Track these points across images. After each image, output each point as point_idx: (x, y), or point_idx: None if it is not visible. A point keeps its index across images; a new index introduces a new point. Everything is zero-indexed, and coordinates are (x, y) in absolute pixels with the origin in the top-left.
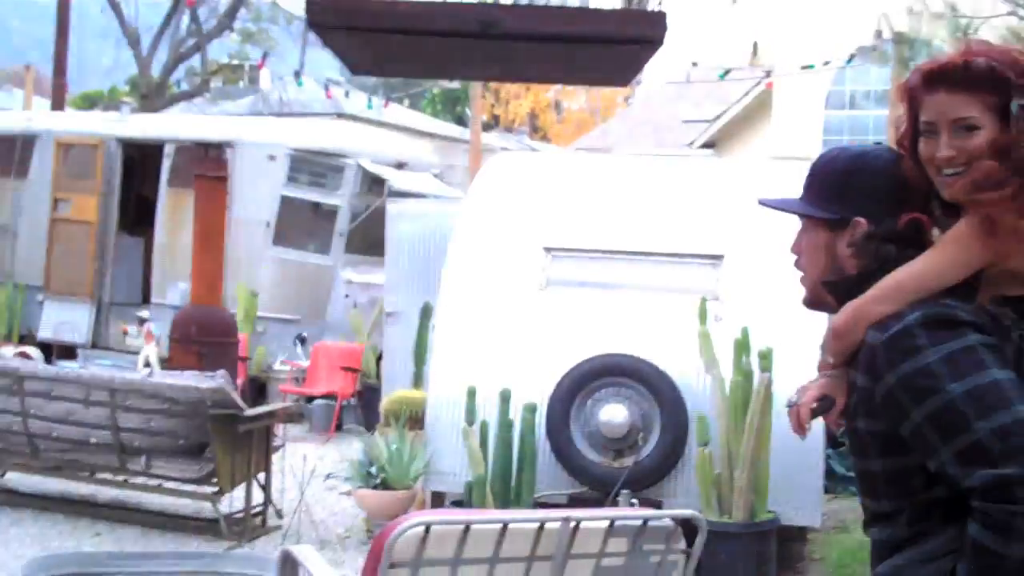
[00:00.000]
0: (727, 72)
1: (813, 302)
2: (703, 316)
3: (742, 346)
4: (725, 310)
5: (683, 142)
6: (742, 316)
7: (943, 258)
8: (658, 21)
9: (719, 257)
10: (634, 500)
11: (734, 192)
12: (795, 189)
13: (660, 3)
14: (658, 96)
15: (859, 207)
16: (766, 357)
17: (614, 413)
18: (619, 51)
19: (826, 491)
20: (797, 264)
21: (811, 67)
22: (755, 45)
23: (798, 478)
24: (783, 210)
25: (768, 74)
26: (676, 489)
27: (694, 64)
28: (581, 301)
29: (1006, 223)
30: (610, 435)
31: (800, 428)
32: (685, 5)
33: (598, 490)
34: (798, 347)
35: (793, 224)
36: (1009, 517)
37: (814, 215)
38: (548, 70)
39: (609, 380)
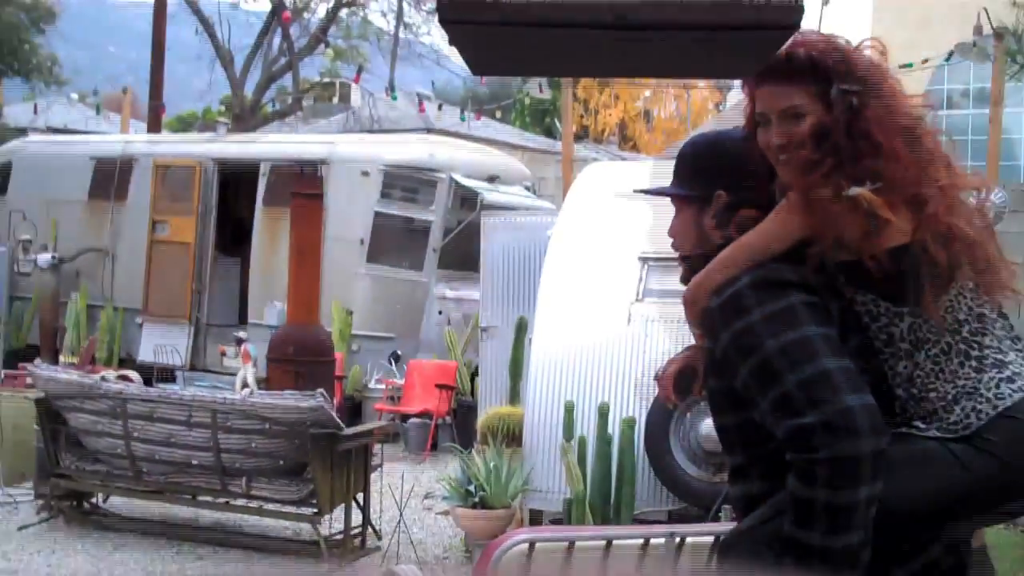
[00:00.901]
0: None
1: (689, 279)
2: None
3: None
4: None
5: None
6: None
7: (770, 230)
8: (796, 7)
9: None
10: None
11: None
12: None
13: None
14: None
15: (719, 183)
16: None
17: (713, 427)
18: (754, 39)
19: None
20: (673, 246)
21: (909, 65)
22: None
23: None
24: (655, 193)
25: None
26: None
27: None
28: (678, 311)
29: (821, 200)
30: (710, 449)
31: (667, 397)
32: None
33: (699, 506)
34: None
35: None
36: (809, 464)
37: (680, 194)
38: (679, 63)
39: None
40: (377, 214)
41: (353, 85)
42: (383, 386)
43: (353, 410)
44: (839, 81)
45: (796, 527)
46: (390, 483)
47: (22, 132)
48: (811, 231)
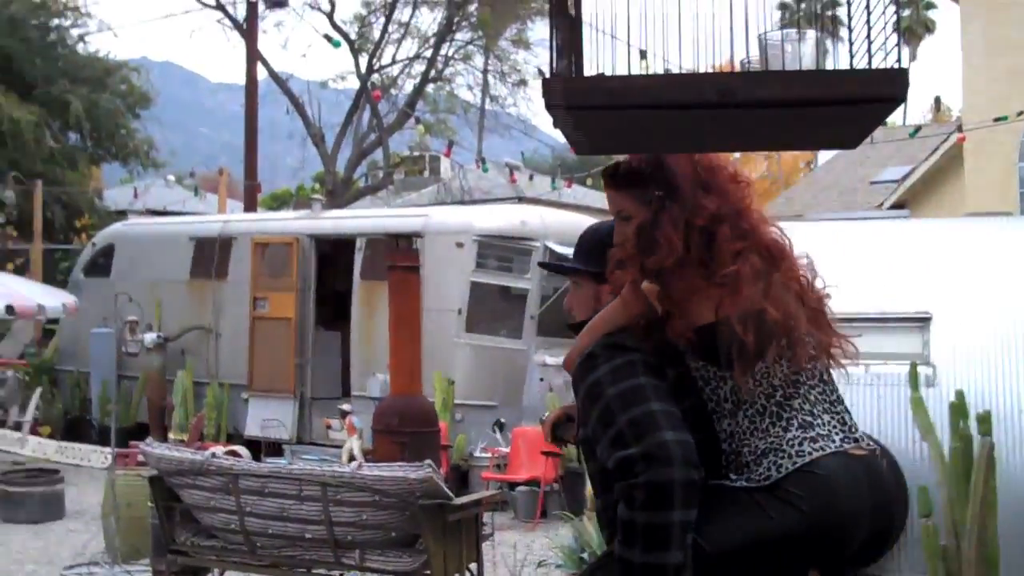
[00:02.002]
0: (917, 129)
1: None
2: (914, 381)
3: (959, 410)
4: (937, 374)
5: (872, 204)
6: (955, 379)
7: (616, 308)
8: (900, 78)
9: (926, 319)
10: None
11: (934, 251)
12: (996, 246)
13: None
14: (841, 159)
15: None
16: (985, 420)
17: None
18: (858, 111)
19: None
20: (569, 316)
21: (1004, 119)
22: (937, 100)
23: None
24: (560, 269)
25: (959, 128)
26: (901, 564)
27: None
28: None
29: (640, 287)
30: None
31: (544, 439)
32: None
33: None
34: (1017, 407)
35: (997, 283)
36: (630, 489)
37: (587, 270)
38: (782, 136)
39: None
40: (473, 284)
41: (443, 157)
42: (489, 454)
43: (460, 479)
44: (655, 186)
45: (622, 547)
46: (502, 552)
47: (122, 215)
48: (643, 310)
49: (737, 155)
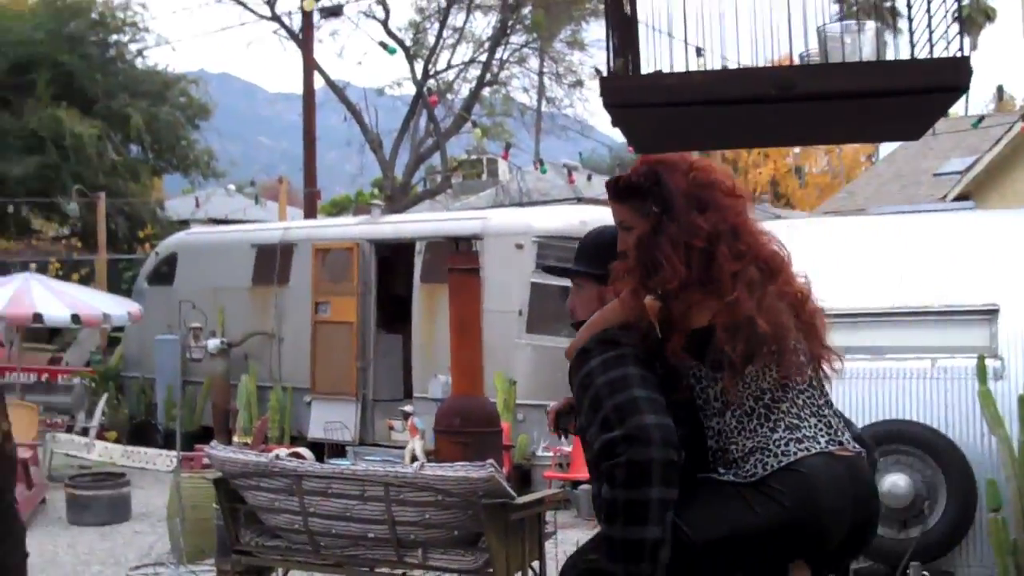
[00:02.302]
0: (980, 120)
1: None
2: (982, 374)
3: None
4: (1005, 367)
5: (935, 196)
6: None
7: (613, 308)
8: (963, 66)
9: (994, 311)
10: (925, 572)
11: (1001, 243)
12: None
13: (961, 48)
14: (902, 152)
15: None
16: None
17: (896, 482)
18: (921, 101)
19: None
20: (572, 317)
21: None
22: (1000, 89)
23: None
24: (564, 272)
25: (1023, 117)
26: (969, 559)
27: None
28: (848, 368)
29: (640, 294)
30: (893, 505)
31: (549, 427)
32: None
33: (884, 563)
34: None
35: None
36: (612, 468)
37: (590, 272)
38: (843, 129)
39: (888, 448)
40: (534, 285)
41: (500, 160)
42: (551, 454)
43: (522, 478)
44: (652, 201)
45: (605, 524)
46: (565, 550)
47: (184, 224)
48: (638, 314)
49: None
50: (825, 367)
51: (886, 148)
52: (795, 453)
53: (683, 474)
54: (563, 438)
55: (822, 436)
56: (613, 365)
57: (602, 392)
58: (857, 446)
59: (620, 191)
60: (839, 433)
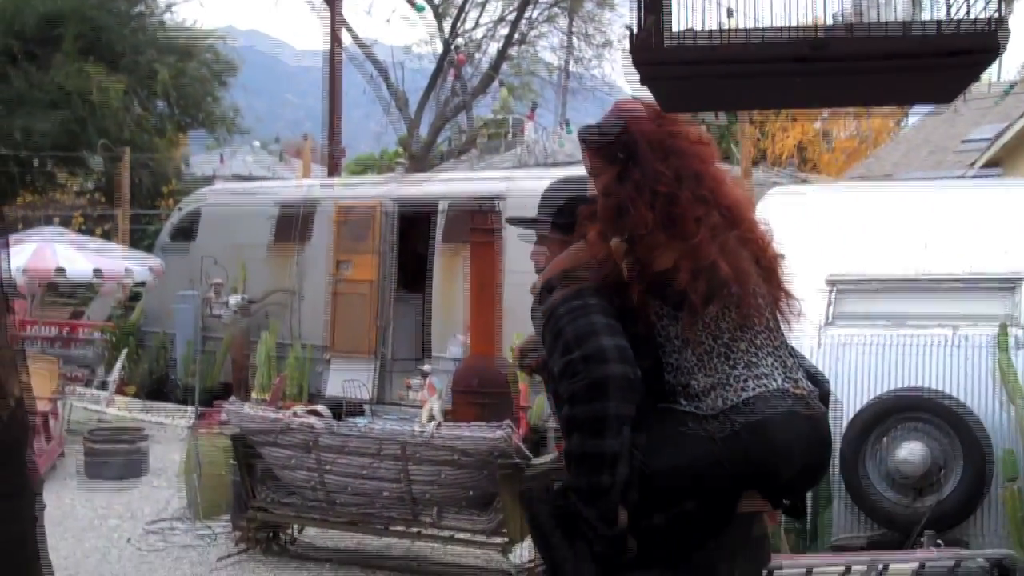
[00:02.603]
0: (1012, 87)
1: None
2: (1003, 344)
3: None
4: None
5: (964, 163)
6: None
7: (579, 248)
8: (999, 28)
9: (1017, 280)
10: (939, 541)
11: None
12: None
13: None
14: (931, 118)
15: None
16: None
17: (912, 451)
18: (954, 63)
19: None
20: (537, 267)
21: None
22: None
23: None
24: (529, 223)
25: None
26: (983, 529)
27: None
28: (869, 335)
29: (604, 236)
30: (908, 474)
31: (514, 362)
32: None
33: (897, 532)
34: None
35: None
36: (571, 387)
37: (555, 222)
38: (874, 91)
39: (904, 416)
40: None
41: (526, 120)
42: None
43: (539, 441)
44: (619, 149)
45: (566, 442)
46: None
47: (208, 180)
48: (600, 256)
49: (826, 113)
50: (783, 309)
51: (915, 114)
52: (753, 389)
53: (643, 405)
54: (531, 376)
55: (778, 375)
56: (573, 297)
57: (563, 321)
58: (810, 384)
59: (590, 139)
60: (793, 371)
